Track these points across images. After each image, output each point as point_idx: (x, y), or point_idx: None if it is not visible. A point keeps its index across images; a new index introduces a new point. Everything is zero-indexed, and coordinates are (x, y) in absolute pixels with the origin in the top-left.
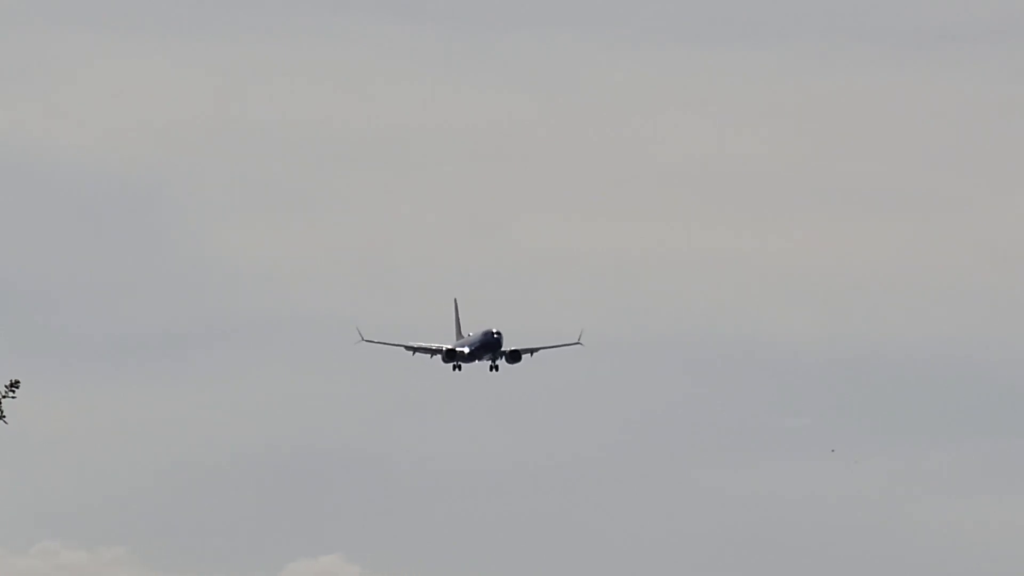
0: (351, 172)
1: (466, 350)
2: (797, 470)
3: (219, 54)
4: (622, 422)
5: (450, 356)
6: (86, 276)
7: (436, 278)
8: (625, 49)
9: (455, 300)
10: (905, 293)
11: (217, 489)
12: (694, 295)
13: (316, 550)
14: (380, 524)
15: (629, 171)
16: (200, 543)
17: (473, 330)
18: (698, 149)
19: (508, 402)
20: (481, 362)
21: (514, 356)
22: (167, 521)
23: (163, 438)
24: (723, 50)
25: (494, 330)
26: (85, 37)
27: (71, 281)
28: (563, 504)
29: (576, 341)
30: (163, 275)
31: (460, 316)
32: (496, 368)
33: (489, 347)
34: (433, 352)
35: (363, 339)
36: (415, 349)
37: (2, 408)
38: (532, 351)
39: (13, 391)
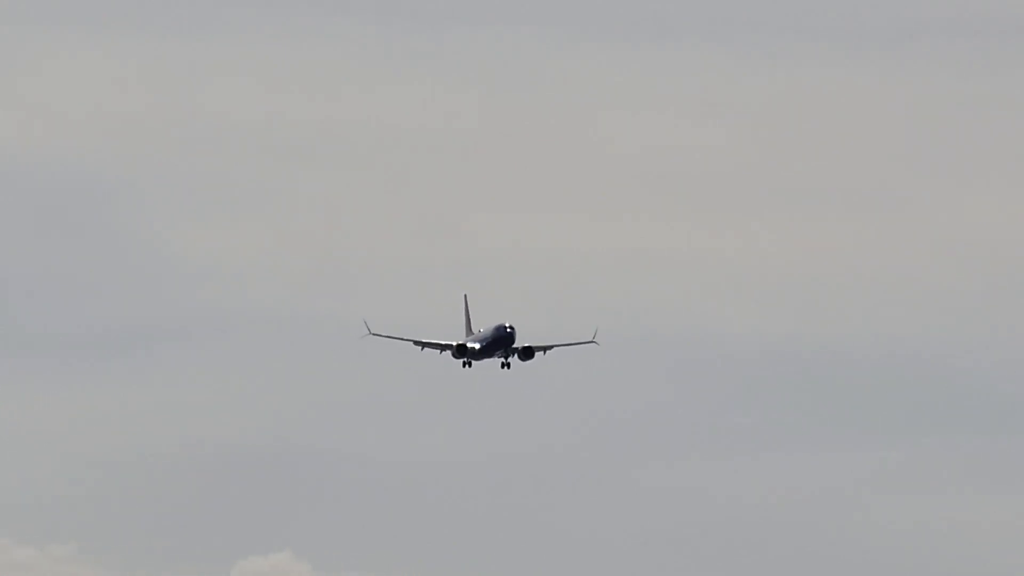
0: (306, 168)
1: (477, 346)
2: (751, 467)
3: (174, 50)
4: (590, 421)
5: (461, 352)
6: (41, 273)
7: (392, 274)
8: (579, 46)
9: (464, 296)
10: (860, 290)
11: (167, 487)
12: (650, 292)
13: (266, 547)
14: (329, 521)
15: (584, 168)
16: (150, 540)
17: (484, 326)
18: (652, 146)
19: (471, 399)
20: (492, 359)
21: (527, 353)
22: (117, 518)
23: (114, 436)
24: (677, 47)
25: (507, 324)
26: (38, 32)
27: (25, 278)
28: (515, 503)
29: (591, 339)
30: (117, 272)
31: (471, 312)
32: (508, 365)
33: (501, 342)
34: (443, 348)
35: (370, 332)
36: (424, 344)
37: None
38: (546, 348)
39: None
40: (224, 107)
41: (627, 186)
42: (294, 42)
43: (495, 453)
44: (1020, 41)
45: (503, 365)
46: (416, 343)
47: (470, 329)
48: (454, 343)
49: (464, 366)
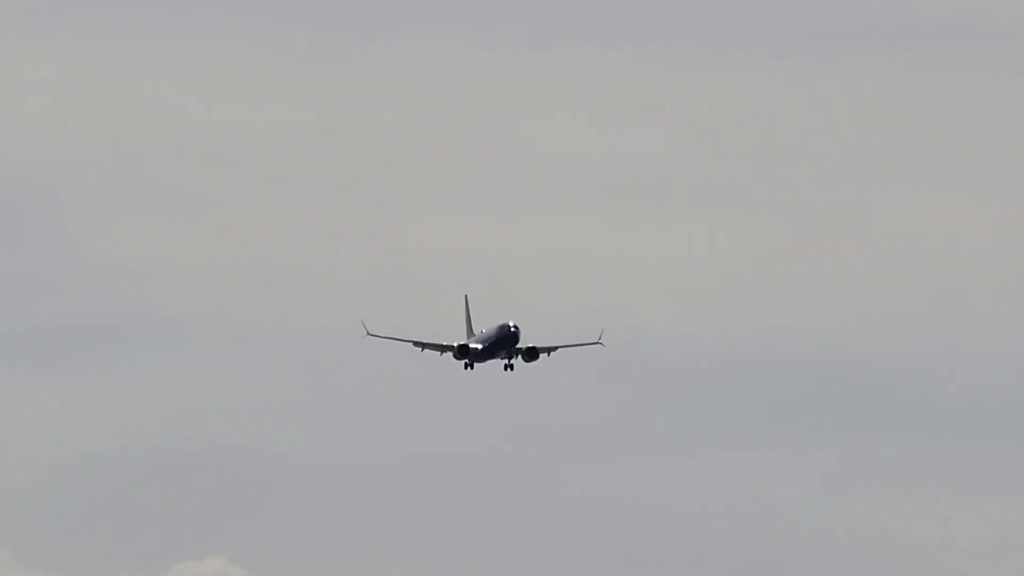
0: (238, 172)
1: (479, 347)
2: (692, 471)
3: (112, 53)
4: (525, 427)
5: (462, 353)
6: None
7: (329, 278)
8: (511, 50)
9: (465, 296)
10: (799, 293)
11: (101, 490)
12: (582, 294)
13: (201, 552)
14: (265, 527)
15: (515, 172)
16: (84, 545)
17: (486, 326)
18: (585, 150)
19: (384, 398)
20: (495, 360)
21: (531, 354)
22: (50, 522)
23: (46, 439)
24: (610, 51)
25: (511, 324)
26: None
27: None
28: (441, 505)
29: (597, 340)
30: (49, 275)
31: (471, 312)
32: (511, 367)
33: (505, 343)
34: (443, 349)
35: (368, 334)
36: (424, 345)
37: None
38: (550, 350)
39: None
40: (158, 111)
41: (558, 190)
42: (229, 47)
43: (432, 454)
44: (959, 45)
45: (506, 367)
46: (416, 344)
47: (471, 330)
48: (455, 344)
49: (466, 368)
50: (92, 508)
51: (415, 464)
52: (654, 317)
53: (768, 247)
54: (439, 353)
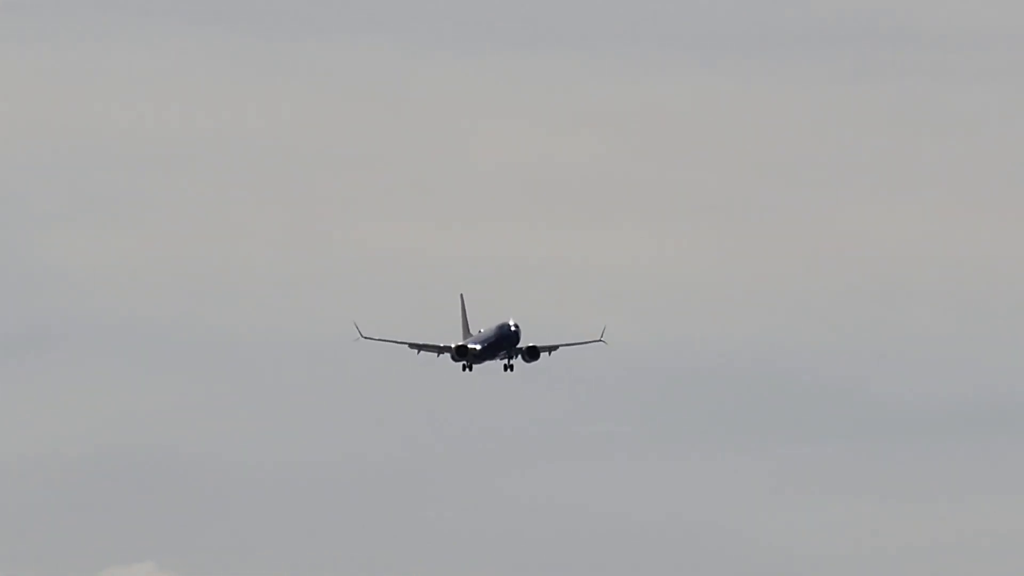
0: (171, 178)
1: (478, 347)
2: (619, 475)
3: (43, 57)
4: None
5: (461, 354)
6: None
7: (269, 282)
8: (447, 56)
9: (461, 296)
10: (730, 297)
11: (29, 496)
12: (519, 300)
13: (129, 558)
14: (194, 532)
15: (450, 177)
16: (11, 550)
17: (485, 326)
18: (523, 155)
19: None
20: (495, 361)
21: (532, 353)
22: None
23: None
24: (544, 57)
25: (511, 323)
26: None
27: None
28: (382, 509)
29: (599, 339)
30: None
31: (467, 312)
32: (511, 368)
33: (505, 342)
34: (440, 350)
35: (362, 336)
36: (420, 347)
37: None
38: (551, 349)
39: None
40: (96, 116)
41: (494, 195)
42: (172, 53)
43: (359, 457)
44: (883, 49)
45: (506, 367)
46: (412, 346)
47: (468, 330)
48: (453, 345)
49: (464, 369)
50: (20, 513)
51: (350, 468)
52: (593, 322)
53: (707, 253)
54: (436, 355)
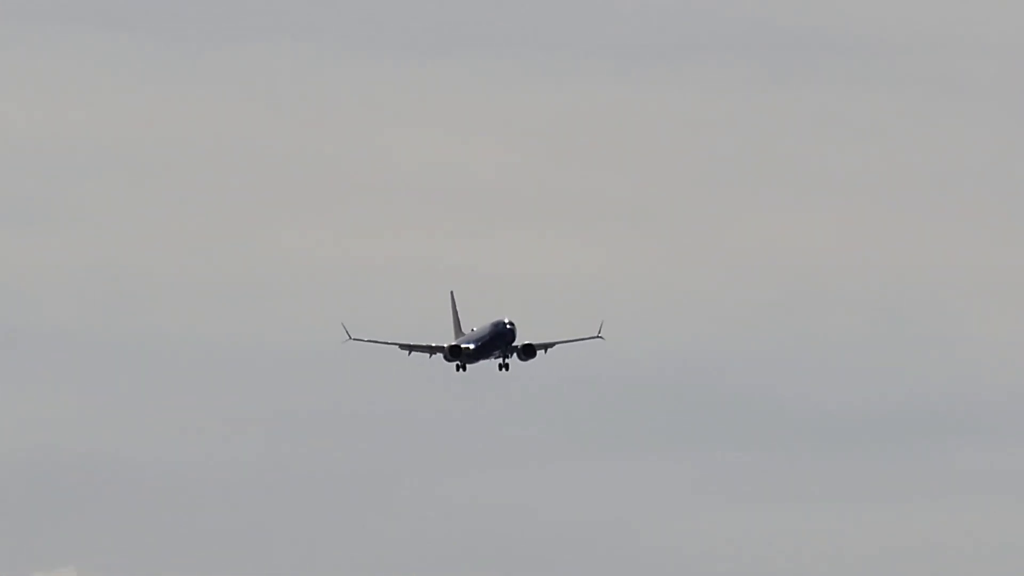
0: (87, 182)
1: (472, 346)
2: (541, 480)
3: None
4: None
5: (454, 354)
6: None
7: (183, 289)
8: (363, 60)
9: (451, 293)
10: (644, 303)
11: None
12: (433, 306)
13: (50, 564)
14: (116, 538)
15: (368, 183)
16: None
17: (477, 324)
18: (437, 159)
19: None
20: (489, 360)
21: (528, 351)
22: None
23: None
24: (460, 62)
25: (506, 320)
26: None
27: None
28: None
29: (597, 334)
30: None
31: (459, 310)
32: (506, 367)
33: (500, 340)
34: (433, 350)
35: (351, 338)
36: (411, 348)
37: None
38: (547, 346)
39: None
40: (11, 121)
41: (412, 201)
42: (89, 58)
43: (283, 463)
44: (800, 56)
45: (501, 367)
46: (403, 347)
47: (460, 329)
48: (446, 344)
49: (458, 369)
50: None
51: (267, 473)
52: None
53: (620, 259)
54: (428, 355)
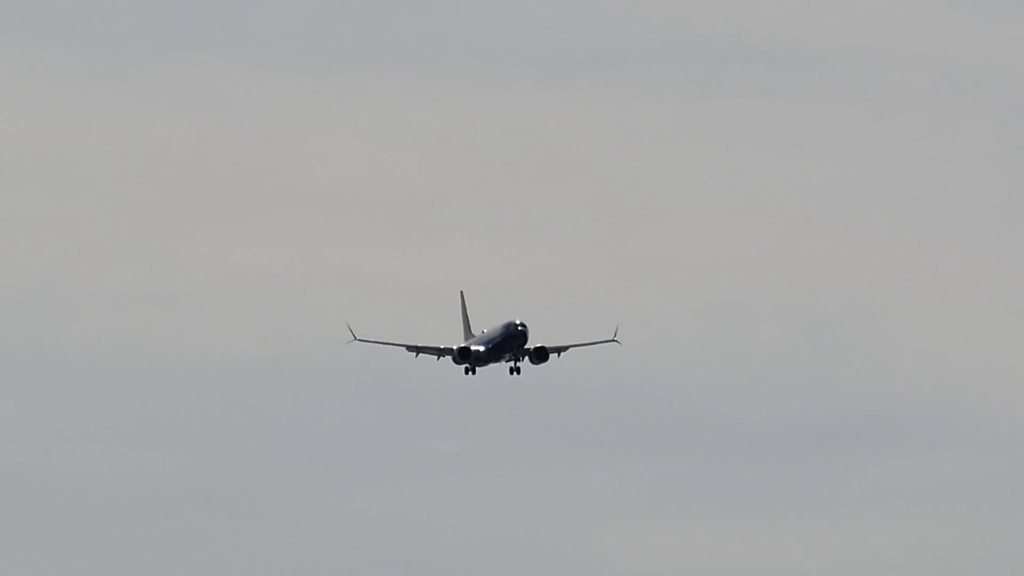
0: (6, 194)
1: (482, 348)
2: (476, 493)
3: None
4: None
5: (463, 356)
6: None
7: (106, 301)
8: (285, 71)
9: (461, 293)
10: (575, 317)
11: None
12: (355, 314)
13: None
14: (35, 545)
15: (291, 193)
16: None
17: (488, 326)
18: (359, 173)
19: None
20: (500, 363)
21: (540, 355)
22: None
23: None
24: (381, 73)
25: (518, 321)
26: None
27: None
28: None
29: (613, 338)
30: None
31: (468, 311)
32: (517, 371)
33: (512, 342)
34: (441, 353)
35: (356, 339)
36: (419, 350)
37: None
38: (560, 350)
39: None
40: None
41: (335, 211)
42: (16, 68)
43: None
44: (726, 67)
45: (512, 370)
46: (410, 348)
47: (469, 331)
48: (455, 347)
49: (467, 373)
50: None
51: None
52: (430, 337)
53: (551, 270)
54: (436, 358)
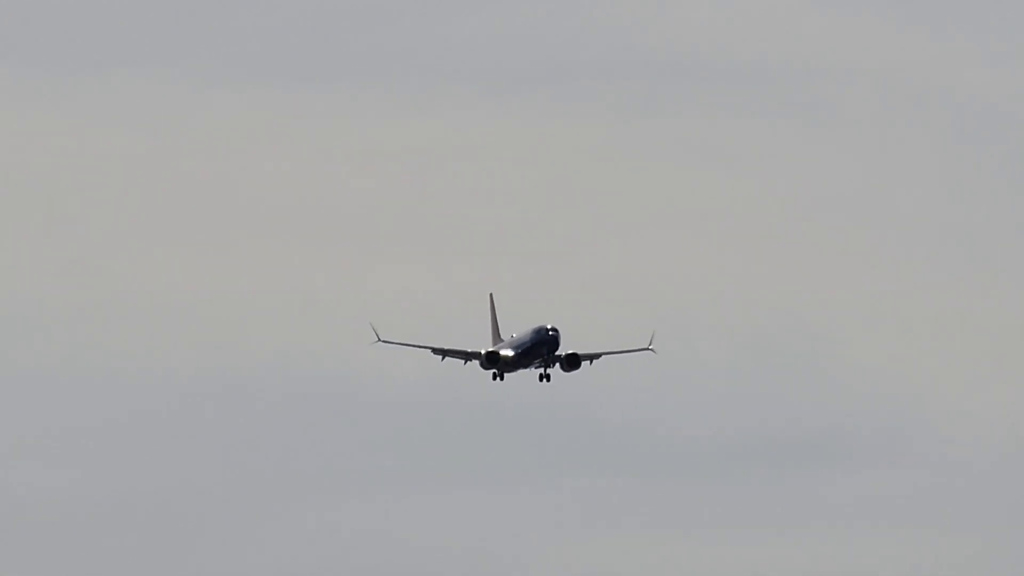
0: None
1: (510, 353)
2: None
3: None
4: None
5: (491, 361)
6: None
7: (41, 316)
8: (224, 86)
9: (491, 295)
10: (512, 329)
11: None
12: (286, 335)
13: None
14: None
15: (228, 211)
16: None
17: (517, 331)
18: (298, 188)
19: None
20: (529, 370)
21: (572, 361)
22: None
23: None
24: (325, 89)
25: (548, 326)
26: None
27: None
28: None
29: (648, 347)
30: None
31: (497, 314)
32: (547, 377)
33: (543, 348)
34: (468, 357)
35: (379, 340)
36: (445, 353)
37: None
38: (593, 357)
39: None
40: None
41: (276, 228)
42: None
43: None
44: (666, 83)
45: (542, 377)
46: (436, 351)
47: (498, 335)
48: (482, 351)
49: (495, 379)
50: None
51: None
52: (369, 355)
53: (479, 285)
54: (463, 362)
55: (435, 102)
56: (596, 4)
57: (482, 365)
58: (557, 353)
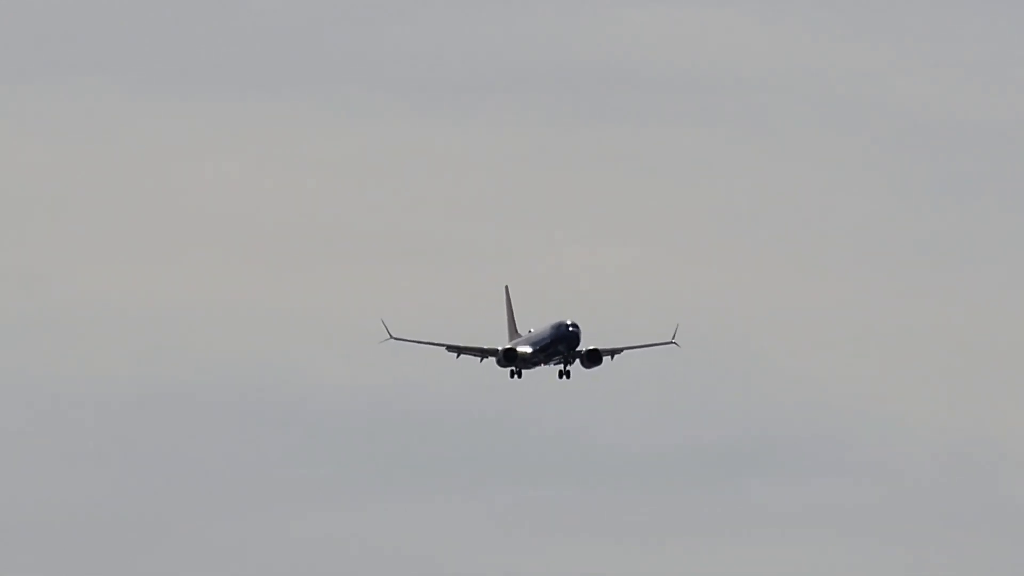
0: None
1: (529, 350)
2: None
3: None
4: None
5: (508, 358)
6: None
7: None
8: (157, 97)
9: (506, 288)
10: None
11: None
12: (238, 346)
13: None
14: None
15: (163, 223)
16: None
17: (534, 326)
18: (241, 199)
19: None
20: (548, 366)
21: (593, 357)
22: None
23: None
24: (256, 99)
25: (568, 321)
26: None
27: None
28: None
29: (671, 340)
30: None
31: (514, 308)
32: (567, 374)
33: (562, 344)
34: (484, 354)
35: (391, 337)
36: (460, 350)
37: None
38: (615, 352)
39: None
40: None
41: (208, 240)
42: None
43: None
44: (598, 93)
45: (561, 374)
46: (450, 349)
47: (515, 330)
48: (500, 348)
49: (512, 376)
50: None
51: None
52: (313, 364)
53: (417, 296)
54: (479, 359)
55: (366, 112)
56: (534, 14)
57: (499, 363)
58: (577, 349)
